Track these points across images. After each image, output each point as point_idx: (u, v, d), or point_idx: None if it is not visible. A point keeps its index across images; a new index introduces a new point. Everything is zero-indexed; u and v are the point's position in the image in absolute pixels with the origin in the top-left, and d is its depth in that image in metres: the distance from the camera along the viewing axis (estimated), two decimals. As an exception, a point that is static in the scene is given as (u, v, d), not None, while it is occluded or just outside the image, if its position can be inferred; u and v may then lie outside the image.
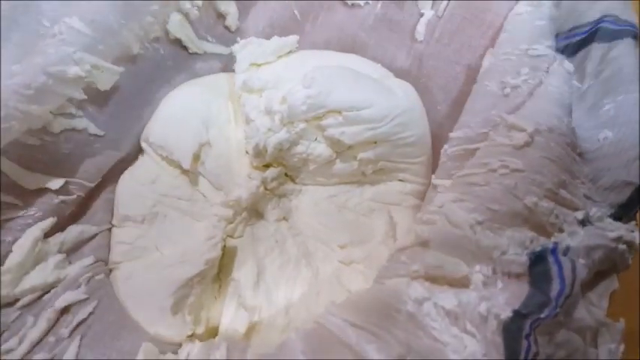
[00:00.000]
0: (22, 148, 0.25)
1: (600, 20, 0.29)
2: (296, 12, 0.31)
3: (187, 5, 0.29)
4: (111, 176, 0.29)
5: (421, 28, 0.29)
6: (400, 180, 0.28)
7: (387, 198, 0.28)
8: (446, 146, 0.26)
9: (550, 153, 0.23)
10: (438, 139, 0.29)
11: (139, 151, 0.30)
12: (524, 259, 0.22)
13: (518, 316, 0.21)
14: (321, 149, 0.27)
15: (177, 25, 0.29)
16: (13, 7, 0.25)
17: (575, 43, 0.29)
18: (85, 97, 0.26)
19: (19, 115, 0.23)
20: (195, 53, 0.32)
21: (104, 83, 0.27)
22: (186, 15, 0.30)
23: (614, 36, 0.28)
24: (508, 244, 0.22)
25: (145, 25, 0.28)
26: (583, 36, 0.29)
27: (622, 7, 0.29)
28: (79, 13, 0.25)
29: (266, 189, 0.28)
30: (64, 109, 0.26)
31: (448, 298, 0.21)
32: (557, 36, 0.28)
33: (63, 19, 0.25)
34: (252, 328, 0.25)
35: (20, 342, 0.24)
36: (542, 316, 0.21)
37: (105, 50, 0.26)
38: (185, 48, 0.31)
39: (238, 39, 0.31)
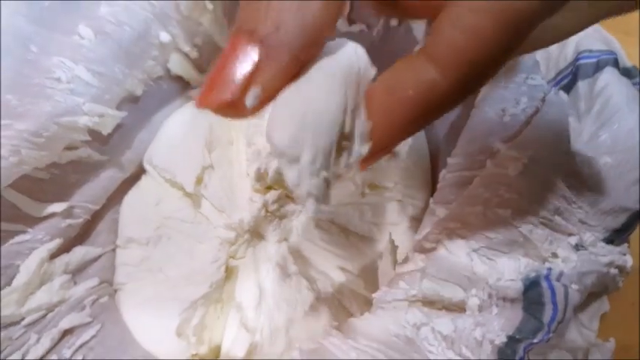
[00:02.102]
0: (32, 182, 0.26)
1: (577, 58, 0.29)
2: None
3: (186, 48, 0.30)
4: (115, 196, 0.30)
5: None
6: (399, 201, 0.29)
7: (386, 219, 0.29)
8: (444, 171, 0.27)
9: (545, 181, 0.24)
10: (435, 162, 0.30)
11: (143, 170, 0.31)
12: (518, 285, 0.23)
13: (512, 340, 0.22)
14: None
15: (177, 65, 0.30)
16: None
17: (564, 86, 0.29)
18: (90, 138, 0.28)
19: (31, 161, 0.25)
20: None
21: (107, 127, 0.28)
22: (186, 55, 0.30)
23: (594, 69, 0.29)
24: (503, 271, 0.23)
25: (147, 68, 0.29)
26: (568, 78, 0.30)
27: (590, 37, 0.30)
28: (85, 63, 0.26)
29: (267, 211, 0.29)
30: (70, 145, 0.27)
31: (445, 324, 0.22)
32: (547, 84, 0.28)
33: (68, 66, 0.26)
34: (252, 349, 0.26)
35: (23, 357, 0.25)
36: (536, 340, 0.22)
37: (111, 99, 0.27)
38: (188, 82, 0.32)
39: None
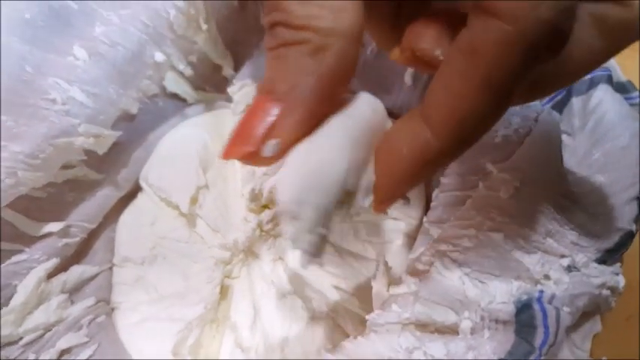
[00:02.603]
0: (29, 201, 0.26)
1: None
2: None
3: (181, 66, 0.30)
4: (111, 215, 0.30)
5: (409, 73, 0.29)
6: (393, 219, 0.29)
7: (381, 237, 0.29)
8: (437, 190, 0.27)
9: (537, 203, 0.24)
10: (429, 180, 0.30)
11: (139, 188, 0.31)
12: (510, 307, 0.23)
13: (505, 364, 0.22)
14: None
15: (172, 82, 0.30)
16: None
17: (558, 102, 0.29)
18: (86, 157, 0.28)
19: (28, 182, 0.25)
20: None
21: (102, 147, 0.28)
22: (180, 73, 0.30)
23: (588, 86, 0.29)
24: (495, 294, 0.23)
25: (143, 87, 0.29)
26: (562, 94, 0.30)
27: None
28: (79, 85, 0.26)
29: (262, 230, 0.29)
30: (66, 164, 0.27)
31: (437, 348, 0.22)
32: (541, 100, 0.28)
33: (63, 87, 0.26)
34: (248, 368, 0.26)
35: (22, 377, 0.25)
36: (527, 364, 0.22)
37: (106, 119, 0.27)
38: (183, 99, 0.32)
39: (235, 81, 0.31)
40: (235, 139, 0.16)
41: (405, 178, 0.16)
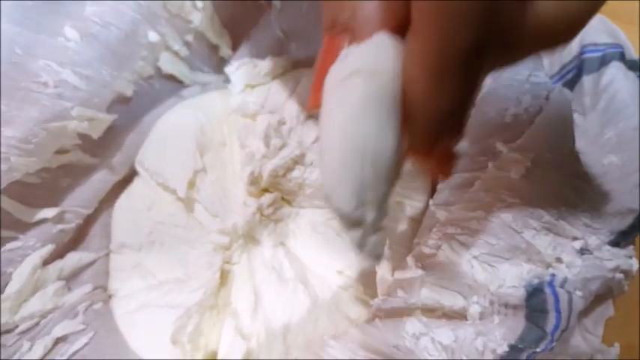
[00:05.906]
0: (23, 187, 0.26)
1: (582, 52, 0.28)
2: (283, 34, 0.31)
3: (176, 46, 0.29)
4: (107, 199, 0.29)
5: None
6: (397, 202, 0.28)
7: (384, 221, 0.28)
8: (444, 172, 0.26)
9: (548, 184, 0.23)
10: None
11: (135, 172, 0.30)
12: (521, 292, 0.22)
13: (515, 350, 0.21)
14: (317, 173, 0.27)
15: (168, 63, 0.29)
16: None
17: (568, 81, 0.28)
18: (80, 142, 0.27)
19: (21, 167, 0.25)
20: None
21: (97, 131, 0.27)
22: (176, 53, 0.29)
23: (600, 63, 0.28)
24: (505, 278, 0.22)
25: (137, 69, 0.28)
26: (573, 72, 0.28)
27: (595, 29, 0.29)
28: (71, 67, 0.25)
29: (262, 215, 0.28)
30: (60, 149, 0.27)
31: (445, 334, 0.21)
32: (551, 78, 0.27)
33: (55, 70, 0.25)
34: (249, 355, 0.26)
35: (16, 365, 0.25)
36: (539, 350, 0.21)
37: (100, 102, 0.27)
38: (180, 81, 0.31)
39: (232, 61, 0.30)
40: (318, 87, 0.15)
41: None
